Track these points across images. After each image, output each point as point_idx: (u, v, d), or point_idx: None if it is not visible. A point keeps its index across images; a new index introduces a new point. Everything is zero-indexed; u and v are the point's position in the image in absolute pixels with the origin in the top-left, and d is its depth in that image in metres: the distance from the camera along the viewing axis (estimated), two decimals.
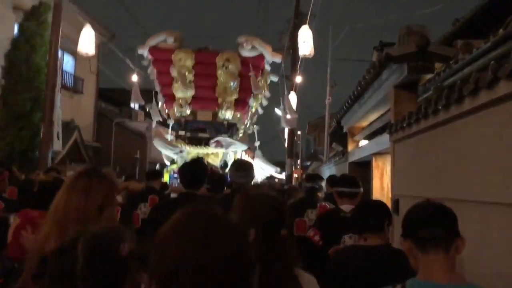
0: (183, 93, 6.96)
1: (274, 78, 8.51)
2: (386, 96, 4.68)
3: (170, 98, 7.16)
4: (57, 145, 9.39)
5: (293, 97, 13.35)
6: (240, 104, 7.05)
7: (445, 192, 3.10)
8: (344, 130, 7.55)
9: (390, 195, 5.40)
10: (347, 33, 13.53)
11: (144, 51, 7.28)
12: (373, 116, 5.77)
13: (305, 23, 7.08)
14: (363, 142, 6.77)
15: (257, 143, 8.97)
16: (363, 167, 6.43)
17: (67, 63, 16.90)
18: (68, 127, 12.48)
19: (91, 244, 1.23)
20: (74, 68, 17.37)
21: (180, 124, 7.36)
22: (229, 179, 5.12)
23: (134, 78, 14.25)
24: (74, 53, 16.95)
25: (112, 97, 24.61)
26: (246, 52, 6.79)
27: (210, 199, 3.44)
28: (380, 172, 5.28)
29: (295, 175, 20.86)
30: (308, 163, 26.62)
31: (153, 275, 0.90)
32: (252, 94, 7.33)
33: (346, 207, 3.06)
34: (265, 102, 8.28)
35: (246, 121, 7.93)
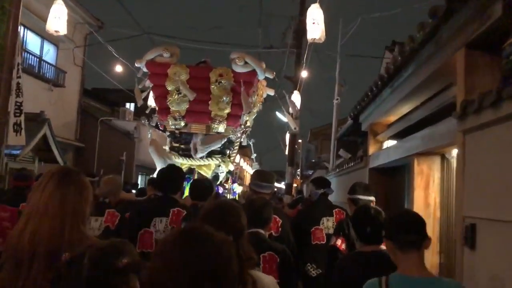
0: (177, 106, 7.07)
1: (271, 92, 8.24)
2: (442, 68, 3.13)
3: (165, 111, 7.27)
4: (14, 139, 7.81)
5: (297, 97, 11.97)
6: (233, 118, 7.14)
7: None
8: (363, 128, 5.98)
9: (438, 214, 3.81)
10: (356, 31, 12.06)
11: (141, 65, 7.26)
12: (411, 105, 4.22)
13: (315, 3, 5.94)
14: (389, 143, 5.21)
15: (253, 156, 8.53)
16: (390, 175, 4.87)
17: (48, 52, 15.39)
18: (36, 120, 10.87)
19: (95, 257, 1.47)
20: (56, 59, 15.84)
21: (175, 136, 7.38)
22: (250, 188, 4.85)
23: (119, 68, 12.75)
24: (56, 42, 15.51)
25: (105, 97, 23.18)
26: (239, 68, 6.75)
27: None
28: (425, 181, 3.68)
29: (295, 185, 19.53)
30: (310, 172, 25.09)
31: None
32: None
33: None
34: (254, 116, 8.10)
35: (238, 133, 7.88)
